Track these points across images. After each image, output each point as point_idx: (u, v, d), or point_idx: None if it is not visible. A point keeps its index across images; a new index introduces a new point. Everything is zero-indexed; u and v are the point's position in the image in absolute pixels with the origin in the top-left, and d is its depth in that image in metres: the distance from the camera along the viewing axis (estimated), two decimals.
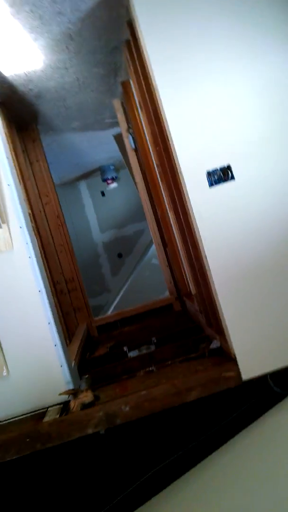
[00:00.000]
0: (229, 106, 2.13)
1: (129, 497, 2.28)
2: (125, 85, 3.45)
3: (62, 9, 2.27)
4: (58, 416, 2.10)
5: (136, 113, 3.44)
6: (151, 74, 2.16)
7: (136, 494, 2.29)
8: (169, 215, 3.20)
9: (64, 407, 2.19)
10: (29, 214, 2.93)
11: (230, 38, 2.13)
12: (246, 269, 2.13)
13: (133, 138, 3.77)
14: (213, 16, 2.12)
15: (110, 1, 2.32)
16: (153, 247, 6.81)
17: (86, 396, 2.17)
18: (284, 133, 2.13)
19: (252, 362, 2.13)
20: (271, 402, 2.21)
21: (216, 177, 2.10)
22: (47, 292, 2.33)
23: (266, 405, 2.22)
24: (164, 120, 2.19)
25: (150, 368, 2.45)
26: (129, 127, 3.80)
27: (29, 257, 2.30)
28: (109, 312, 6.90)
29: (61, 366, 2.27)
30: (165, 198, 3.22)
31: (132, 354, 2.92)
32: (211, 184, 2.11)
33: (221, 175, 2.10)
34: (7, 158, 2.33)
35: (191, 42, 2.12)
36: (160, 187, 3.40)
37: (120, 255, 7.57)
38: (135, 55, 2.51)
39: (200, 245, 2.21)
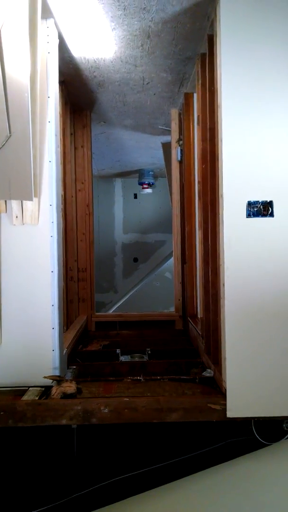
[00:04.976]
0: (286, 146, 2.11)
1: (84, 497, 2.25)
2: (188, 97, 3.45)
3: (148, 6, 2.27)
4: (37, 398, 2.08)
5: (191, 126, 3.43)
6: (219, 92, 2.15)
7: (90, 497, 2.27)
8: (197, 234, 3.18)
9: (45, 391, 2.17)
10: (61, 195, 2.94)
11: None
12: (261, 308, 2.09)
13: (181, 150, 3.77)
14: None
15: (196, 11, 2.32)
16: (170, 261, 6.80)
17: (70, 387, 2.15)
18: None
19: (241, 402, 2.08)
20: (248, 448, 2.16)
21: (255, 210, 2.07)
22: (58, 275, 2.32)
23: (242, 449, 2.17)
24: (219, 140, 2.18)
25: (138, 378, 2.42)
26: (180, 139, 3.80)
27: (51, 236, 2.29)
28: (111, 311, 6.88)
29: (53, 350, 2.25)
30: (197, 216, 3.20)
31: (124, 358, 2.90)
32: (248, 215, 2.08)
33: (261, 209, 2.07)
34: (55, 135, 2.34)
35: (267, 72, 2.10)
36: (195, 204, 3.39)
37: (136, 260, 7.56)
38: (206, 70, 2.50)
39: (221, 271, 2.18)
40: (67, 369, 2.47)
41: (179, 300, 3.93)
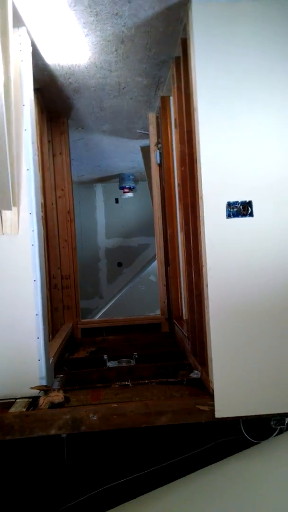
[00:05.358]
0: (262, 146, 2.13)
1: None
2: (164, 101, 3.46)
3: (120, 12, 2.28)
4: (25, 409, 2.05)
5: (169, 130, 3.45)
6: (194, 95, 2.17)
7: (82, 506, 2.25)
8: (179, 236, 3.19)
9: (33, 402, 2.14)
10: (41, 203, 2.92)
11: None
12: (245, 308, 2.10)
13: (160, 153, 3.78)
14: (270, 57, 2.13)
15: (169, 15, 2.33)
16: (154, 264, 6.80)
17: (57, 396, 2.13)
18: None
19: (228, 402, 2.09)
20: (237, 447, 2.17)
21: (235, 210, 2.09)
22: (41, 283, 2.30)
23: (231, 448, 2.17)
24: (196, 142, 2.19)
25: (126, 383, 2.41)
26: (158, 142, 3.81)
27: (32, 245, 2.27)
28: (97, 317, 6.85)
29: (39, 360, 2.23)
30: (178, 218, 3.21)
31: (111, 364, 2.89)
32: (228, 215, 2.09)
33: (240, 209, 2.09)
34: (32, 143, 2.32)
35: (241, 74, 2.12)
36: (176, 206, 3.40)
37: (120, 264, 7.55)
38: (181, 73, 2.51)
39: (203, 272, 2.19)
40: (54, 378, 2.45)
41: (164, 302, 3.93)
